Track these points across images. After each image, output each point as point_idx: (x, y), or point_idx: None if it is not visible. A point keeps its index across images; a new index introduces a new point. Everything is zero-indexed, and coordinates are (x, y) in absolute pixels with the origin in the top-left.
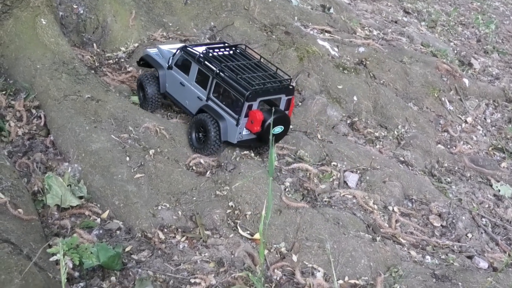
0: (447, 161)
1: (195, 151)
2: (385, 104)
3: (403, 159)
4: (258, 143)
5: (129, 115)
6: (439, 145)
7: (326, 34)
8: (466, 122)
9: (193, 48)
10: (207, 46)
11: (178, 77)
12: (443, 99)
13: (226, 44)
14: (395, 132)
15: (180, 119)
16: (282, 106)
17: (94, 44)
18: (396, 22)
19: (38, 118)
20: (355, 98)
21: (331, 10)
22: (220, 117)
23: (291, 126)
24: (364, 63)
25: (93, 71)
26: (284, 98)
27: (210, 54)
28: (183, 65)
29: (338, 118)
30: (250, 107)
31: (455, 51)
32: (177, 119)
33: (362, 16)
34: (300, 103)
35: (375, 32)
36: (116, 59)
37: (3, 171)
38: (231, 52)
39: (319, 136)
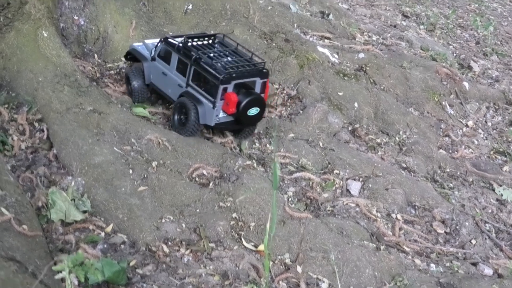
0: (449, 166)
1: (176, 131)
2: (386, 110)
3: (405, 165)
4: (236, 125)
5: (131, 127)
6: (441, 150)
7: (326, 40)
8: (467, 126)
9: (174, 38)
10: (186, 36)
11: (160, 67)
12: (443, 103)
13: (206, 34)
14: (397, 138)
15: None
16: (257, 89)
17: (95, 55)
18: (395, 26)
19: (41, 131)
20: (356, 104)
21: (330, 16)
22: (198, 101)
23: (290, 134)
24: (364, 69)
25: (94, 83)
26: (259, 81)
27: (189, 44)
28: (165, 55)
29: (339, 125)
30: (225, 89)
31: (455, 54)
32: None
33: (361, 21)
34: (301, 111)
35: (374, 37)
36: (117, 70)
37: (7, 187)
38: (210, 41)
39: (321, 144)
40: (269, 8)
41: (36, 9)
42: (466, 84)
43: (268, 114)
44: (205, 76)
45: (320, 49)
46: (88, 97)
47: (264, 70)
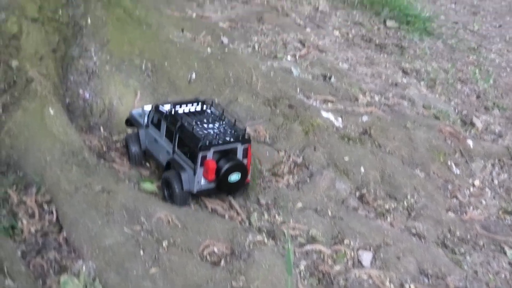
0: (459, 230)
1: (170, 203)
2: (393, 173)
3: (415, 231)
4: (218, 191)
5: (141, 205)
6: (450, 213)
7: (329, 104)
8: (473, 185)
9: (164, 106)
10: (174, 103)
11: (153, 134)
12: (449, 162)
13: (193, 100)
14: (405, 203)
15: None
16: (239, 155)
17: (101, 128)
18: (396, 84)
19: (50, 213)
20: (362, 169)
21: (332, 79)
22: (181, 168)
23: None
24: (368, 132)
25: (102, 159)
26: (240, 147)
27: (177, 111)
28: (156, 122)
29: (347, 191)
30: (204, 157)
31: (456, 110)
32: (188, 207)
33: (362, 80)
34: (308, 179)
35: (376, 98)
36: (124, 143)
37: (19, 277)
38: (198, 107)
39: (329, 213)
40: (271, 73)
41: (42, 86)
42: (470, 142)
43: (275, 183)
44: (187, 143)
45: (324, 113)
46: (97, 176)
47: (246, 136)
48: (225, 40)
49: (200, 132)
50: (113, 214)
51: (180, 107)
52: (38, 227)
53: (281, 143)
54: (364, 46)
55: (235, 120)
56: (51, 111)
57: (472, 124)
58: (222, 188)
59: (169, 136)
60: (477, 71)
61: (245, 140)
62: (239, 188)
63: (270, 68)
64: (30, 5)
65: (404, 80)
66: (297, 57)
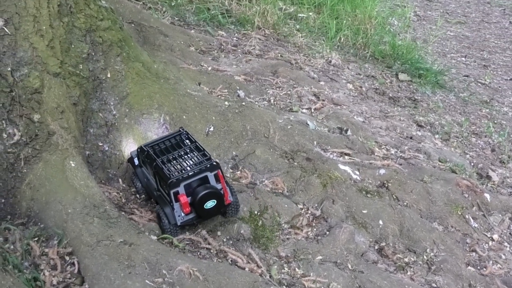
0: (479, 284)
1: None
2: (411, 227)
3: (435, 286)
4: (200, 219)
5: (162, 257)
6: (469, 267)
7: (346, 157)
8: (492, 239)
9: (148, 145)
10: (153, 141)
11: (145, 173)
12: (467, 216)
13: (170, 135)
14: (424, 257)
15: (214, 258)
16: (212, 182)
17: (120, 180)
18: (411, 138)
19: (72, 265)
20: (380, 222)
21: (348, 132)
22: (164, 204)
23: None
24: (386, 186)
25: (123, 213)
26: (210, 175)
27: (157, 148)
28: (145, 162)
29: (366, 244)
30: (176, 193)
31: (472, 164)
32: (209, 259)
33: (377, 133)
34: (327, 232)
35: (392, 151)
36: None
37: None
38: (174, 141)
39: (349, 266)
40: (288, 127)
41: (63, 139)
42: (487, 195)
43: (294, 236)
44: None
45: (342, 166)
46: (118, 228)
47: (214, 163)
48: (241, 93)
49: (172, 168)
50: (134, 267)
51: (159, 144)
52: (60, 279)
53: (299, 196)
54: (378, 99)
55: (203, 150)
56: (72, 164)
57: (488, 178)
58: (202, 215)
59: (153, 174)
60: (490, 124)
61: (213, 167)
62: (217, 213)
63: (287, 121)
64: (52, 60)
65: (419, 133)
66: (312, 110)
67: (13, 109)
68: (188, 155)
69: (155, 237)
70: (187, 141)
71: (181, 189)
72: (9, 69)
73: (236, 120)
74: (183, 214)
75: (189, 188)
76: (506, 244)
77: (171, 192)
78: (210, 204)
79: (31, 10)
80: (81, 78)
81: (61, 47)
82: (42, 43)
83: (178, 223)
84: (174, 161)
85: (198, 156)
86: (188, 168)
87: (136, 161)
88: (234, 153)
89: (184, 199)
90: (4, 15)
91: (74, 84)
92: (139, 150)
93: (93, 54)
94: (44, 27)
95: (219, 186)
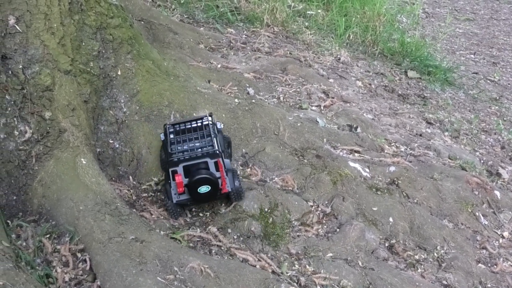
0: (490, 282)
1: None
2: (421, 224)
3: (446, 283)
4: (196, 202)
5: (174, 255)
6: (480, 264)
7: (356, 154)
8: (502, 237)
9: (171, 124)
10: (178, 122)
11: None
12: (477, 213)
13: (195, 118)
14: (435, 254)
15: (224, 255)
16: (211, 169)
17: (130, 177)
18: (421, 135)
19: (84, 262)
20: (390, 219)
21: (358, 130)
22: (166, 181)
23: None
24: (396, 183)
25: (134, 209)
26: (210, 161)
27: (177, 127)
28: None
29: (376, 241)
30: (174, 172)
31: (482, 161)
32: (220, 256)
33: (387, 131)
34: (337, 229)
35: (402, 148)
36: (152, 192)
37: None
38: (196, 124)
39: (360, 263)
40: (298, 124)
41: (75, 137)
42: (497, 193)
43: (304, 233)
44: None
45: (352, 164)
46: (130, 225)
47: (216, 152)
48: (251, 91)
49: (178, 148)
50: (146, 264)
51: (180, 125)
52: (72, 276)
53: (310, 193)
54: (387, 97)
55: (214, 137)
56: (83, 161)
57: (498, 175)
58: (196, 198)
59: (164, 151)
60: (500, 121)
61: (214, 155)
62: (212, 199)
63: (297, 119)
64: (63, 57)
65: (428, 131)
66: (321, 107)
67: (25, 106)
68: (199, 140)
69: (163, 233)
70: (208, 127)
71: (179, 169)
72: (21, 66)
73: (246, 118)
74: (178, 193)
75: (188, 170)
76: None
77: (170, 170)
78: (204, 189)
79: (42, 8)
80: (91, 75)
81: (72, 45)
82: (53, 40)
83: (174, 201)
84: (184, 143)
85: (205, 142)
86: (192, 151)
87: (162, 136)
88: (244, 150)
89: (179, 179)
90: (15, 13)
91: (85, 82)
92: (164, 127)
93: (103, 51)
94: (55, 25)
95: (218, 174)
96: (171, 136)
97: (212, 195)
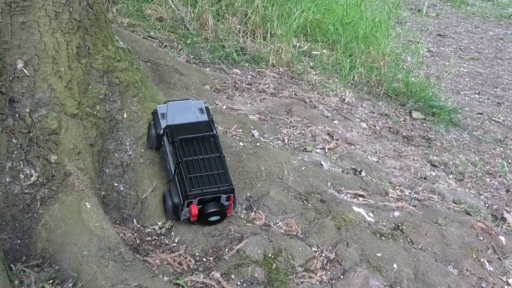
0: None
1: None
2: (426, 271)
3: None
4: (201, 224)
5: None
6: None
7: (360, 198)
8: (508, 284)
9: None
10: (180, 124)
11: (165, 147)
12: (482, 259)
13: (199, 121)
14: None
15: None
16: (223, 200)
17: (134, 220)
18: (425, 178)
19: None
20: (395, 265)
21: (363, 173)
22: (175, 195)
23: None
24: (400, 228)
25: (138, 255)
26: (223, 196)
27: (182, 134)
28: (169, 140)
29: None
30: (189, 202)
31: (487, 205)
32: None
33: (391, 174)
34: (341, 276)
35: (406, 192)
36: (156, 236)
37: None
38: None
39: None
40: (303, 168)
41: (80, 180)
42: (502, 238)
43: (308, 279)
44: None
45: (356, 208)
46: (133, 272)
47: (230, 189)
48: (255, 133)
49: (193, 180)
50: None
51: (184, 130)
52: None
53: (313, 238)
54: (391, 138)
55: (225, 170)
56: (88, 205)
57: (503, 219)
58: (203, 223)
59: (173, 159)
60: (505, 164)
61: (227, 191)
62: (216, 224)
63: (301, 162)
64: (70, 101)
65: (433, 173)
66: (326, 149)
67: (31, 150)
68: (210, 163)
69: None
70: (212, 138)
71: (195, 201)
72: (28, 110)
73: (251, 161)
74: (187, 216)
75: (202, 200)
76: None
77: (186, 201)
78: (214, 218)
79: (50, 52)
80: (98, 118)
81: (79, 88)
82: (61, 84)
83: (181, 219)
84: (197, 167)
85: (220, 175)
86: (208, 184)
87: (159, 108)
88: (248, 194)
89: (195, 210)
90: (24, 57)
91: (91, 125)
92: (166, 129)
93: (110, 94)
94: (62, 69)
95: (226, 203)
96: (180, 156)
97: (218, 222)
